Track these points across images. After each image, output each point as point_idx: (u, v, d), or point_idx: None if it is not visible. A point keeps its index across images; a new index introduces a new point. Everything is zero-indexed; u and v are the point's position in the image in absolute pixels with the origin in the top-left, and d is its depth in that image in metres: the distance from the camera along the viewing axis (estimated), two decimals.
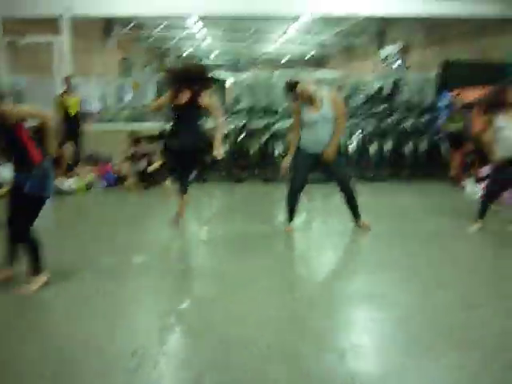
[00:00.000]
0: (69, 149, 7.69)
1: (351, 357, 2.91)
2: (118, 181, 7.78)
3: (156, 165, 7.59)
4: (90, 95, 15.67)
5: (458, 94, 8.61)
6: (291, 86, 5.12)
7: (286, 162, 5.31)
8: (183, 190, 5.34)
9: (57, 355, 2.94)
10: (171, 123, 5.40)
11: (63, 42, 9.49)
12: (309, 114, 5.07)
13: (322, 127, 5.08)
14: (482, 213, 5.45)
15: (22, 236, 3.79)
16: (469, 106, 8.21)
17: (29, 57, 11.44)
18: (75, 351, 2.98)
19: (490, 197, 5.48)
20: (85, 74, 14.00)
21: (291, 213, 5.35)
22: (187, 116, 5.16)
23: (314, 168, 5.30)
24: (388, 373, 2.77)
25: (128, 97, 19.84)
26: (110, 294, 3.81)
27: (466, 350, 2.96)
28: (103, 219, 6.13)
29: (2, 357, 2.92)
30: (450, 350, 2.97)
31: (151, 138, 7.95)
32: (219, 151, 5.08)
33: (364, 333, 3.27)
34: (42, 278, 3.85)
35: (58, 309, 3.60)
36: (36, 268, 3.83)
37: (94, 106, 15.68)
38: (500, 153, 5.27)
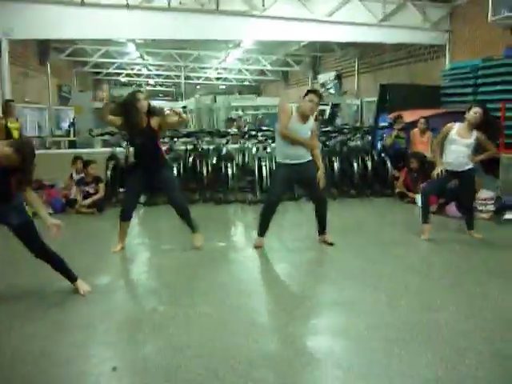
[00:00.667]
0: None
1: (333, 359, 2.96)
2: (66, 205, 7.53)
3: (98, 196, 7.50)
4: (26, 121, 15.28)
5: (399, 116, 9.07)
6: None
7: None
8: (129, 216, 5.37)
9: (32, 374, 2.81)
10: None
11: (2, 65, 9.17)
12: (297, 125, 5.21)
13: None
14: (424, 215, 5.78)
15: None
16: (408, 127, 8.73)
17: None
18: (55, 371, 2.86)
19: (425, 196, 5.86)
20: (20, 100, 13.58)
21: (264, 227, 5.41)
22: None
23: (292, 182, 5.43)
24: (368, 371, 2.84)
25: (66, 123, 19.46)
26: (77, 314, 3.69)
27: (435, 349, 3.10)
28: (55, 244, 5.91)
29: None
30: (424, 348, 3.09)
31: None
32: None
33: (340, 337, 3.33)
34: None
35: (27, 332, 3.43)
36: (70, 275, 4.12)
37: (32, 132, 15.28)
38: (444, 161, 5.67)
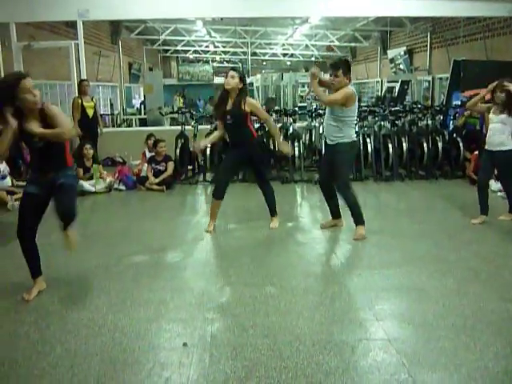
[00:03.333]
0: (89, 150, 7.76)
1: (398, 346, 2.96)
2: (137, 182, 7.81)
3: (167, 173, 7.67)
4: (100, 99, 15.85)
5: (475, 94, 8.58)
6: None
7: None
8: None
9: (111, 346, 3.00)
10: None
11: (79, 45, 9.53)
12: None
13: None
14: (481, 205, 5.62)
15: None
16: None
17: (42, 61, 11.51)
18: (129, 344, 3.04)
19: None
20: (93, 79, 14.08)
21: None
22: None
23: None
24: (435, 359, 2.82)
25: (137, 100, 20.01)
26: (149, 290, 3.87)
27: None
28: (129, 218, 6.17)
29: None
30: (493, 338, 3.02)
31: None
32: None
33: (405, 323, 3.31)
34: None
35: (101, 307, 3.63)
36: None
37: (104, 110, 15.85)
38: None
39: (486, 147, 5.60)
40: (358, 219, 5.18)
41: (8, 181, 7.18)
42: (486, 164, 5.68)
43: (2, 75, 9.39)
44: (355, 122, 5.24)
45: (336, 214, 5.47)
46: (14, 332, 3.24)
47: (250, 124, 5.31)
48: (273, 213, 5.59)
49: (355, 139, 5.22)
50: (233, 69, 5.30)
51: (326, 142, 5.28)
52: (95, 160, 7.88)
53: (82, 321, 3.37)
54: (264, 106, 8.75)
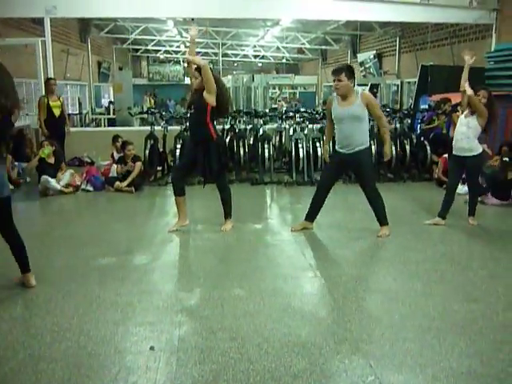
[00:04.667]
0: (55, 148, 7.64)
1: (365, 347, 2.98)
2: (106, 183, 7.70)
3: (134, 174, 7.58)
4: (68, 98, 15.59)
5: (446, 99, 8.72)
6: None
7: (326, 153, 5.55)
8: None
9: (76, 350, 2.94)
10: None
11: (46, 43, 9.35)
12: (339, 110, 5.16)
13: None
14: (442, 208, 5.77)
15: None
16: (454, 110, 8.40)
17: (8, 59, 11.24)
18: (94, 348, 2.98)
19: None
20: (61, 77, 13.84)
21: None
22: None
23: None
24: (401, 360, 2.85)
25: (105, 100, 19.74)
26: (116, 293, 3.81)
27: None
28: (94, 222, 6.08)
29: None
30: (458, 339, 3.07)
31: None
32: None
33: (372, 324, 3.34)
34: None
35: (66, 310, 3.56)
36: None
37: (72, 109, 15.59)
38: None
39: (454, 152, 5.66)
40: (383, 220, 5.35)
41: None
42: (454, 169, 5.79)
43: None
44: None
45: (312, 218, 5.49)
46: None
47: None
48: (227, 215, 5.57)
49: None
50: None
51: (339, 150, 5.28)
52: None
53: (46, 325, 3.30)
54: None
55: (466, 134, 5.48)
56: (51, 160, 7.62)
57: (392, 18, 11.05)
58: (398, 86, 15.57)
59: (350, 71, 5.06)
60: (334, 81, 5.04)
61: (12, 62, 11.45)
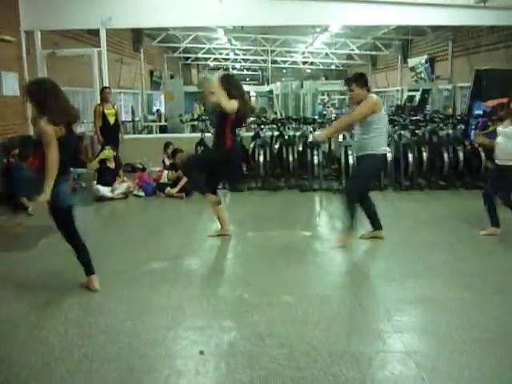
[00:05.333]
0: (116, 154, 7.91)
1: (417, 359, 2.92)
2: (157, 189, 7.86)
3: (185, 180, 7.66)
4: (121, 106, 16.02)
5: (502, 104, 8.43)
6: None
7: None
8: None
9: (128, 352, 3.01)
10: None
11: (102, 53, 9.67)
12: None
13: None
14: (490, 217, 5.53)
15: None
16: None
17: (65, 69, 11.68)
18: (146, 351, 3.05)
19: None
20: (115, 86, 14.23)
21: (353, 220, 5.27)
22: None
23: None
24: (457, 374, 2.77)
25: (157, 108, 20.17)
26: (167, 297, 3.88)
27: None
28: (147, 225, 6.21)
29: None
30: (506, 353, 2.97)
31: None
32: None
33: (425, 336, 3.27)
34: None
35: (119, 313, 3.65)
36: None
37: (125, 116, 16.01)
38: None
39: (496, 161, 5.52)
40: (344, 227, 5.24)
41: None
42: (494, 177, 5.62)
43: (27, 82, 9.55)
44: (385, 131, 5.18)
45: (376, 225, 5.40)
46: (35, 337, 3.27)
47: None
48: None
49: (384, 152, 5.16)
50: None
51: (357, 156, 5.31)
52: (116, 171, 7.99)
53: (99, 327, 3.40)
54: None
55: (505, 144, 5.37)
56: (111, 165, 7.86)
57: (444, 21, 10.77)
58: (450, 91, 15.18)
59: (361, 80, 5.04)
60: (348, 91, 5.06)
61: (68, 71, 11.92)
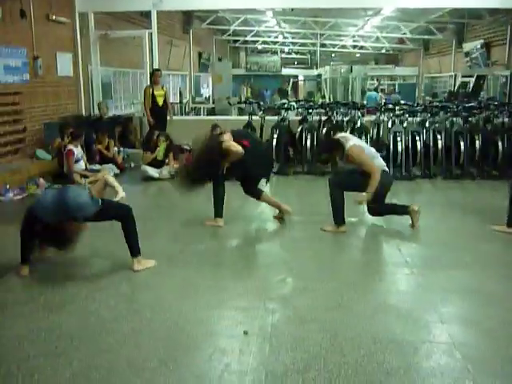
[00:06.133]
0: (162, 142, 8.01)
1: (463, 351, 2.87)
2: None
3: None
4: (169, 88, 16.19)
5: None
6: None
7: None
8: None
9: (174, 330, 3.09)
10: None
11: (152, 35, 9.79)
12: None
13: None
14: None
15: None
16: None
17: (117, 50, 11.90)
18: (191, 329, 3.12)
19: None
20: (164, 68, 14.38)
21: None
22: None
23: None
24: (503, 368, 2.71)
25: (205, 89, 20.30)
26: (212, 277, 3.94)
27: None
28: (193, 206, 6.30)
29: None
30: None
31: None
32: None
33: (472, 328, 3.20)
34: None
35: (166, 291, 3.74)
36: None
37: (173, 98, 16.18)
38: None
39: None
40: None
41: (82, 164, 7.49)
42: None
43: (80, 62, 9.79)
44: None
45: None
46: (86, 309, 3.40)
47: None
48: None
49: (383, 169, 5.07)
50: None
51: None
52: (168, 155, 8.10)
53: (147, 303, 3.49)
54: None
55: None
56: (160, 157, 7.97)
57: (503, 4, 10.33)
58: (507, 77, 14.61)
59: (334, 148, 5.14)
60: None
61: (120, 53, 12.14)
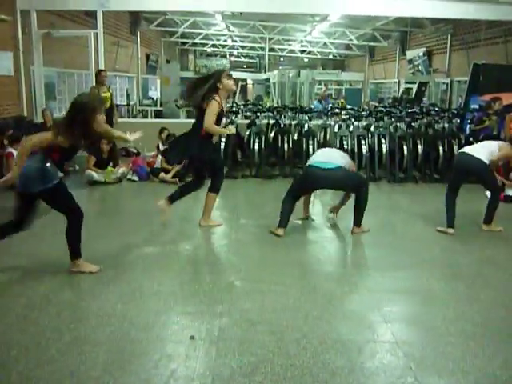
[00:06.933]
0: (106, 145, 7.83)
1: (405, 349, 2.94)
2: (151, 174, 7.84)
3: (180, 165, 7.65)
4: (116, 89, 15.90)
5: (496, 98, 8.44)
6: None
7: None
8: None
9: (119, 336, 3.02)
10: None
11: (98, 36, 9.57)
12: None
13: None
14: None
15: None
16: (505, 111, 8.11)
17: (61, 50, 11.58)
18: (137, 335, 3.06)
19: None
20: (110, 69, 14.12)
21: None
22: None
23: None
24: (443, 365, 2.80)
25: (153, 92, 20.04)
26: (159, 282, 3.89)
27: None
28: (140, 209, 6.20)
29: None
30: (502, 346, 2.99)
31: None
32: None
33: (414, 327, 3.29)
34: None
35: (111, 297, 3.66)
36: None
37: (120, 100, 15.90)
38: None
39: None
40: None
41: None
42: None
43: (22, 62, 9.46)
44: None
45: None
46: (25, 317, 3.27)
47: None
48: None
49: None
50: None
51: None
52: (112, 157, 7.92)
53: (91, 310, 3.40)
54: None
55: None
56: (105, 155, 7.80)
57: (444, 14, 10.73)
58: (447, 84, 15.18)
59: None
60: None
61: (65, 53, 11.82)
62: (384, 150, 8.40)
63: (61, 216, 3.94)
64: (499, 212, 5.56)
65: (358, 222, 5.28)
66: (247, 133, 8.73)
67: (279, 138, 8.61)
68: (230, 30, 23.26)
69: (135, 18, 17.89)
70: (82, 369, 2.71)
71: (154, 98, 18.07)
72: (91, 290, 3.74)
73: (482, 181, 5.58)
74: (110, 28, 14.80)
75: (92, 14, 10.68)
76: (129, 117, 14.78)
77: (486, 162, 5.26)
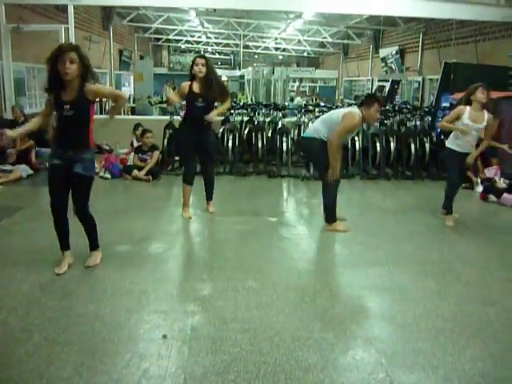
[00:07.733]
0: None
1: (377, 345, 2.97)
2: (124, 171, 7.75)
3: (152, 162, 7.63)
4: None
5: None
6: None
7: None
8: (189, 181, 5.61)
9: (90, 335, 2.97)
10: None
11: (69, 30, 9.40)
12: None
13: None
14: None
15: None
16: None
17: (31, 45, 11.34)
18: (108, 334, 3.02)
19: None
20: None
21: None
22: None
23: None
24: (413, 360, 2.84)
25: (126, 88, 19.80)
26: (131, 280, 3.84)
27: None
28: (113, 207, 6.12)
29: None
30: (471, 341, 3.05)
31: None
32: None
33: (386, 323, 3.33)
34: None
35: (82, 296, 3.60)
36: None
37: None
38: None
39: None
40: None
41: None
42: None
43: None
44: None
45: None
46: None
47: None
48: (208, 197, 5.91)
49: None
50: (203, 56, 5.43)
51: None
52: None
53: (61, 309, 3.34)
54: None
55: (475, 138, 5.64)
56: None
57: (416, 13, 10.83)
58: (419, 82, 15.38)
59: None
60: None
61: (35, 48, 11.57)
62: (357, 147, 8.47)
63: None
64: (474, 210, 5.67)
65: (327, 218, 5.31)
66: (221, 130, 8.70)
67: (253, 135, 8.59)
68: (204, 27, 23.12)
69: (108, 13, 17.64)
70: (51, 370, 2.66)
71: (128, 95, 17.85)
72: (62, 289, 3.68)
73: None
74: (81, 23, 14.57)
75: (63, 9, 10.50)
76: (101, 113, 14.58)
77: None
